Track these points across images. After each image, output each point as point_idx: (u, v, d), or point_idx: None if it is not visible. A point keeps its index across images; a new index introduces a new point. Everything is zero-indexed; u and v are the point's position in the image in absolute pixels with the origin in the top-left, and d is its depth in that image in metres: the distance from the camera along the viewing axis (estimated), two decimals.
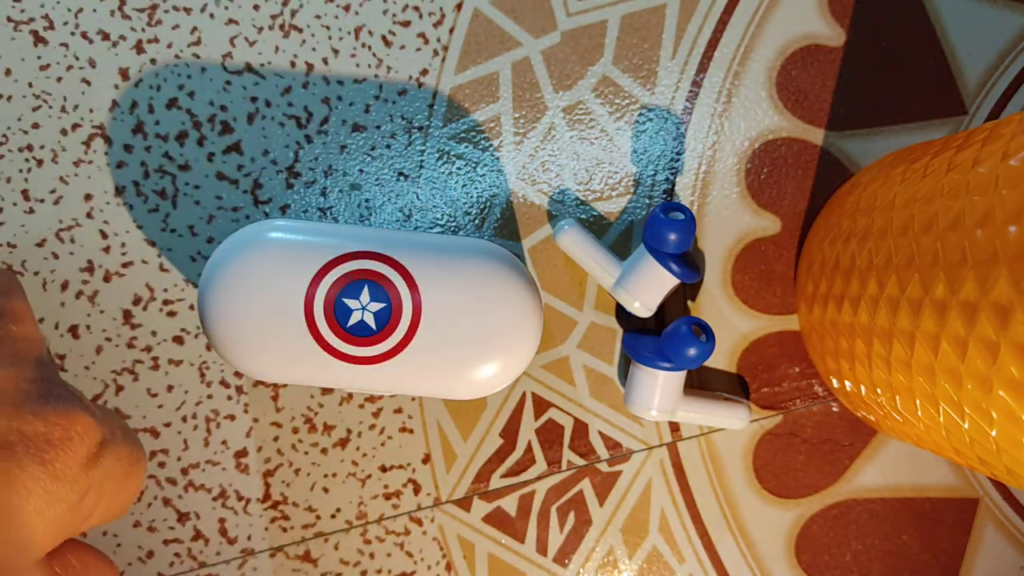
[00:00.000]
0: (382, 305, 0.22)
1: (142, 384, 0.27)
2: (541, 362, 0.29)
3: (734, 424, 0.28)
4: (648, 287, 0.26)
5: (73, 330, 0.27)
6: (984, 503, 0.30)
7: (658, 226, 0.26)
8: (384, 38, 0.28)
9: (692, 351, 0.25)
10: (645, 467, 0.29)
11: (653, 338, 0.27)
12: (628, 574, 0.29)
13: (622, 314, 0.29)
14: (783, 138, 0.29)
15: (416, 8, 0.28)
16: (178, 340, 0.28)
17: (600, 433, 0.29)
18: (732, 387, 0.29)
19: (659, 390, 0.26)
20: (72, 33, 0.27)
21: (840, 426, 0.30)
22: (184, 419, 0.28)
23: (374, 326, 0.22)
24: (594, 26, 0.29)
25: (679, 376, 0.26)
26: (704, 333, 0.25)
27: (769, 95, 0.29)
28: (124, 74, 0.27)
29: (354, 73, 0.28)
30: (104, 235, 0.27)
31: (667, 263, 0.26)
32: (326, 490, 0.28)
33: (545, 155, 0.29)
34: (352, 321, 0.22)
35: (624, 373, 0.29)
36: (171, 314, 0.27)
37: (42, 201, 0.27)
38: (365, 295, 0.22)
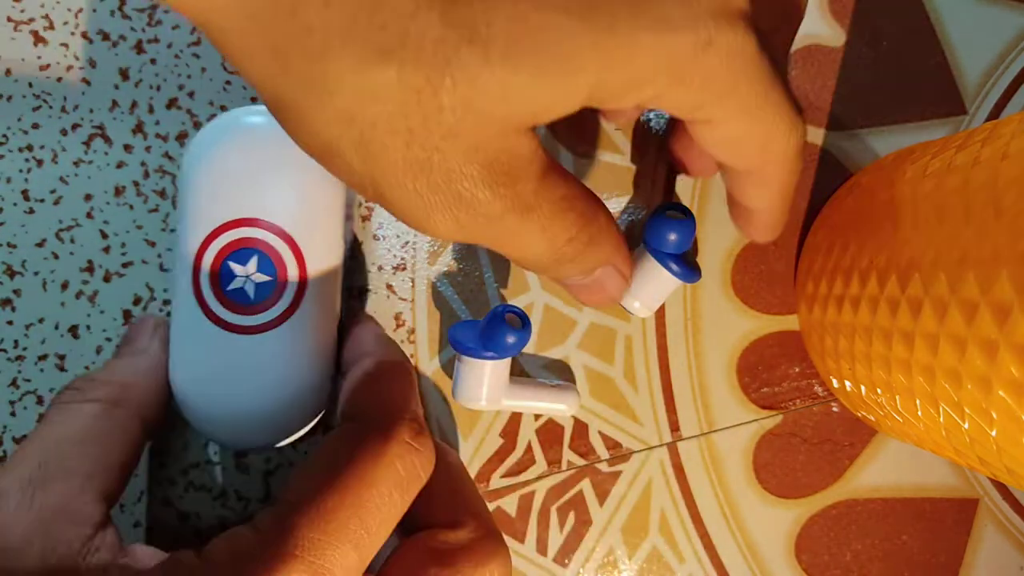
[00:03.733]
0: (267, 278, 0.22)
1: None
2: (541, 362, 0.29)
3: (565, 409, 0.28)
4: (648, 287, 0.26)
5: (73, 330, 0.27)
6: (984, 503, 0.30)
7: (658, 226, 0.26)
8: None
9: (511, 339, 0.25)
10: (645, 467, 0.29)
11: (474, 330, 0.27)
12: (628, 574, 0.29)
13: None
14: None
15: None
16: None
17: (600, 433, 0.29)
18: (731, 386, 0.29)
19: (486, 379, 0.26)
20: (72, 33, 0.27)
21: (840, 426, 0.30)
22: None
23: (252, 296, 0.22)
24: None
25: (504, 364, 0.26)
26: (520, 320, 0.25)
27: None
28: (124, 74, 0.27)
29: None
30: (104, 235, 0.27)
31: (667, 263, 0.26)
32: None
33: None
34: (233, 285, 0.22)
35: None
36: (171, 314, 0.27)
37: (42, 201, 0.27)
38: (252, 265, 0.22)
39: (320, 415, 0.25)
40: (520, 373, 0.29)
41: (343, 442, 0.19)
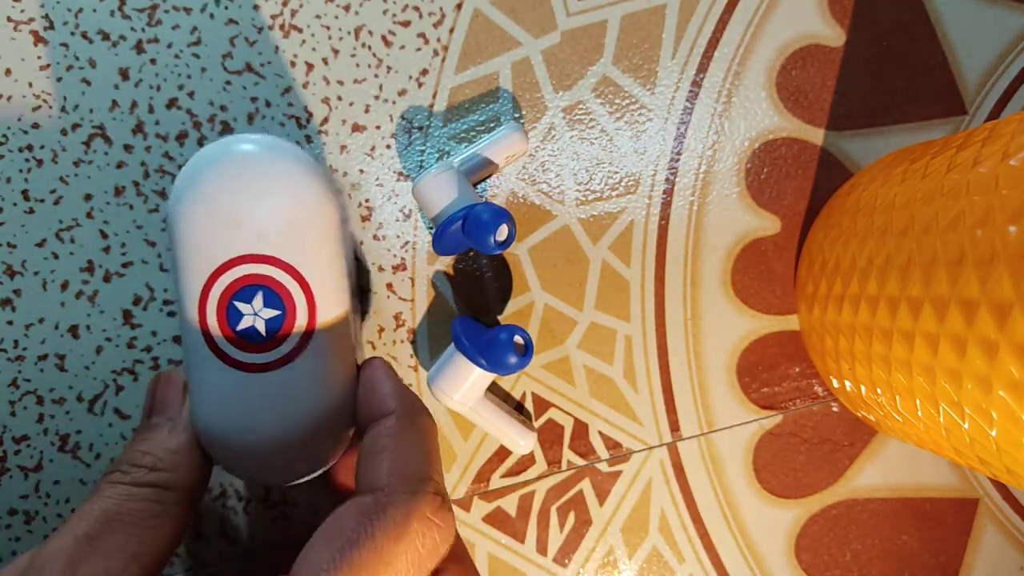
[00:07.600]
0: (275, 313, 0.22)
1: (142, 384, 0.27)
2: (541, 362, 0.29)
3: (517, 446, 0.28)
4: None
5: (73, 330, 0.27)
6: (984, 503, 0.30)
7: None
8: (384, 38, 0.28)
9: (512, 360, 0.25)
10: (645, 467, 0.29)
11: (479, 334, 0.27)
12: (628, 574, 0.29)
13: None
14: (783, 138, 0.29)
15: (416, 8, 0.28)
16: (178, 340, 0.28)
17: (600, 433, 0.29)
18: (731, 386, 0.29)
19: (467, 383, 0.26)
20: (72, 33, 0.27)
21: (840, 426, 0.30)
22: None
23: (264, 333, 0.22)
24: (594, 26, 0.29)
25: (489, 377, 0.27)
26: (525, 347, 0.26)
27: (769, 95, 0.29)
28: (124, 74, 0.27)
29: (354, 73, 0.28)
30: (104, 235, 0.27)
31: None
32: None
33: (545, 155, 0.29)
34: (243, 324, 0.22)
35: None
36: (171, 314, 0.27)
37: (42, 201, 0.27)
38: (258, 301, 0.22)
39: (350, 440, 0.24)
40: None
41: (361, 517, 0.18)
